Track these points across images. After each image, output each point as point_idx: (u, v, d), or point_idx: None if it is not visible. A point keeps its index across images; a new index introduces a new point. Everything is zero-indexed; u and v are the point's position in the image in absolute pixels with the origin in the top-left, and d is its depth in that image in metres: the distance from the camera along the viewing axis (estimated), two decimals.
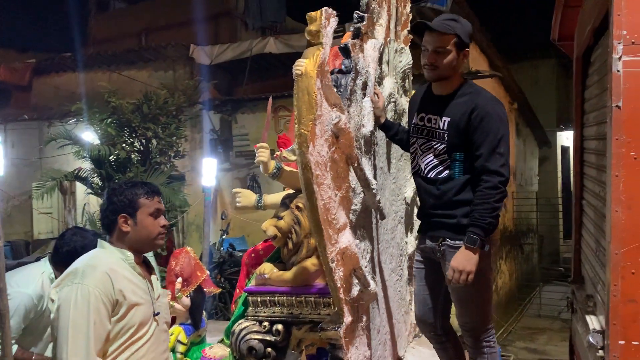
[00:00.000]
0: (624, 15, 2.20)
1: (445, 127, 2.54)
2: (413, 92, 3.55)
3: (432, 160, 2.59)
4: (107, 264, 2.02)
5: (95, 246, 2.87)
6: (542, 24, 3.64)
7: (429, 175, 2.62)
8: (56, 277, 2.91)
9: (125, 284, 2.01)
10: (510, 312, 7.74)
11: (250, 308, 2.88)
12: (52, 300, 1.93)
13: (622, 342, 2.26)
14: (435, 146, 2.59)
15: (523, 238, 9.48)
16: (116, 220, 2.11)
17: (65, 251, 2.87)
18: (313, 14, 2.32)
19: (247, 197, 3.22)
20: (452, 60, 2.47)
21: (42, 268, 2.94)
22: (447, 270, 2.51)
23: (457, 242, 2.50)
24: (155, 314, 2.12)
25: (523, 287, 8.99)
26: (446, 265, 2.54)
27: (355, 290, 2.50)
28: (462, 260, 2.40)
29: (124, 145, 6.21)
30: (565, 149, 11.93)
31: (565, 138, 11.59)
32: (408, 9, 3.30)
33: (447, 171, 2.55)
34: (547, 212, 9.65)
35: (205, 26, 9.47)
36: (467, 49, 2.50)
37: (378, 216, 2.87)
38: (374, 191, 2.72)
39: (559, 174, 11.85)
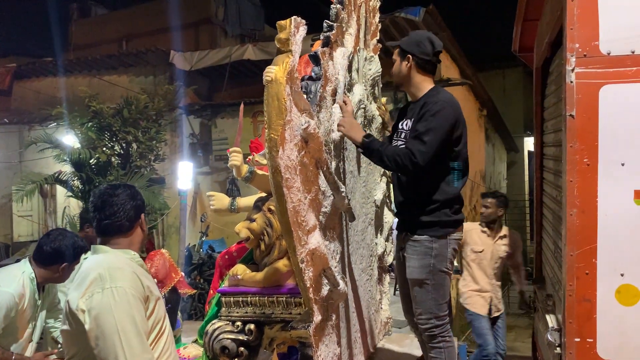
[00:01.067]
0: (576, 30, 2.34)
1: (407, 128, 2.80)
2: (383, 99, 3.68)
3: None
4: (126, 264, 1.99)
5: (80, 247, 2.95)
6: (510, 33, 3.79)
7: (396, 175, 2.87)
8: (37, 277, 2.97)
9: (147, 281, 2.00)
10: None
11: (224, 308, 2.94)
12: (83, 311, 1.83)
13: (577, 340, 2.39)
14: (400, 146, 2.80)
15: None
16: (138, 219, 2.11)
17: (50, 249, 2.92)
18: (283, 22, 2.42)
19: (221, 200, 3.29)
20: (396, 67, 2.82)
21: (23, 268, 2.98)
22: (408, 265, 2.74)
23: (416, 236, 2.73)
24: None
25: None
26: (409, 259, 2.72)
27: (325, 290, 2.59)
28: (352, 123, 2.69)
29: (104, 148, 6.25)
30: (532, 154, 12.22)
31: (532, 143, 11.85)
32: (377, 18, 3.42)
33: None
34: (515, 214, 9.94)
35: (185, 33, 9.55)
36: (408, 55, 2.75)
37: (348, 218, 2.98)
38: (343, 194, 2.83)
39: (526, 178, 12.25)
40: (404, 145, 2.73)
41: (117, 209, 2.03)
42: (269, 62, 7.37)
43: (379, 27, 3.52)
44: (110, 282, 1.85)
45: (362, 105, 3.27)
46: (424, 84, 2.78)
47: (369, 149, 2.65)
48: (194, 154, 7.68)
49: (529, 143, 12.18)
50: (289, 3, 12.72)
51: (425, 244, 2.72)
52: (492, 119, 9.67)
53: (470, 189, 8.23)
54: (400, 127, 2.88)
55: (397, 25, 6.07)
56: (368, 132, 3.09)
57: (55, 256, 2.94)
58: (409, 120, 2.82)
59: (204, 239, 6.89)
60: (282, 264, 2.92)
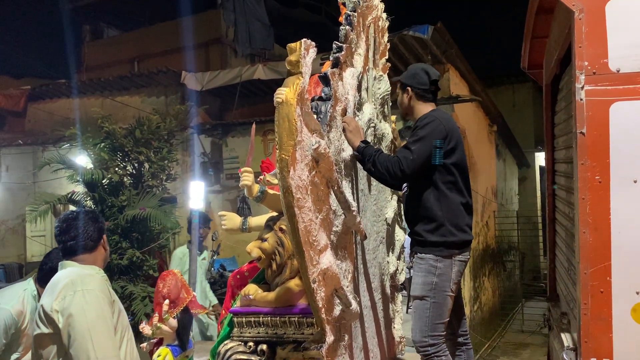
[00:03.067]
0: (584, 48, 2.35)
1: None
2: (393, 117, 3.70)
3: None
4: (94, 273, 2.21)
5: None
6: (518, 49, 3.81)
7: (405, 192, 2.96)
8: (39, 295, 3.00)
9: (112, 291, 2.23)
10: (494, 328, 7.84)
11: (236, 329, 2.95)
12: (57, 311, 2.02)
13: (593, 359, 2.35)
14: None
15: (505, 255, 9.72)
16: (100, 240, 2.35)
17: (49, 268, 2.94)
18: (293, 45, 2.45)
19: (232, 219, 3.31)
20: (400, 99, 3.02)
21: (25, 286, 3.05)
22: (412, 282, 2.79)
23: (422, 254, 2.76)
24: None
25: (506, 303, 9.17)
26: (414, 276, 2.78)
27: (337, 310, 2.59)
28: (354, 124, 2.73)
29: (116, 169, 6.31)
30: (543, 169, 12.18)
31: (543, 158, 11.79)
32: (386, 38, 3.45)
33: (410, 188, 2.86)
34: (528, 230, 9.89)
35: (196, 53, 9.70)
36: (407, 88, 2.97)
37: (359, 237, 2.98)
38: (354, 213, 2.83)
39: (538, 193, 12.18)
40: None
41: (80, 231, 2.30)
42: (279, 81, 7.48)
43: (388, 46, 3.55)
44: (81, 285, 2.08)
45: (372, 124, 3.29)
46: (421, 110, 2.95)
47: (364, 153, 2.72)
48: (205, 173, 7.74)
49: (540, 158, 12.13)
50: (298, 22, 12.89)
51: (430, 262, 2.75)
52: (502, 135, 9.66)
53: (482, 205, 8.18)
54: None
55: (405, 43, 6.11)
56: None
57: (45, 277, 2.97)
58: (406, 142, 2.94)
59: (215, 257, 6.89)
60: (293, 283, 2.92)
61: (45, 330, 2.05)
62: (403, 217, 3.32)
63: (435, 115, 2.83)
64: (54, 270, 2.91)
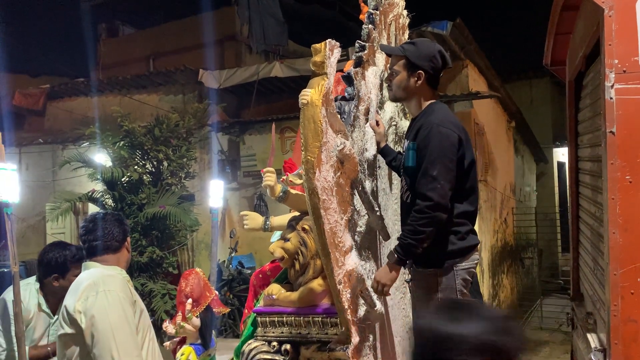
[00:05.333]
0: (614, 45, 2.30)
1: (405, 149, 2.62)
2: None
3: (404, 184, 2.64)
4: (116, 274, 2.24)
5: (77, 259, 3.00)
6: (536, 45, 3.75)
7: (402, 199, 2.69)
8: (43, 291, 3.03)
9: (134, 291, 2.25)
10: None
11: (259, 328, 2.96)
12: (80, 312, 2.04)
13: None
14: (402, 169, 2.67)
15: (523, 252, 9.63)
16: (124, 242, 2.38)
17: (45, 262, 2.97)
18: (317, 45, 2.44)
19: (255, 219, 3.32)
20: (402, 80, 2.56)
21: (29, 280, 3.09)
22: (415, 300, 2.61)
23: (420, 268, 2.57)
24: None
25: (524, 300, 9.10)
26: (415, 293, 2.63)
27: (362, 311, 2.59)
28: (382, 273, 2.46)
29: (136, 167, 6.37)
30: (561, 165, 12.10)
31: (561, 154, 11.76)
32: (407, 35, 3.43)
33: (409, 196, 2.56)
34: (546, 227, 9.80)
35: (210, 50, 9.70)
36: (420, 71, 2.52)
37: (382, 237, 2.97)
38: (378, 213, 2.83)
39: (556, 189, 12.02)
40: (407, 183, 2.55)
41: (107, 231, 2.31)
42: (296, 79, 7.51)
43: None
44: (103, 286, 2.09)
45: (394, 123, 3.28)
46: (427, 101, 2.60)
47: (405, 252, 2.39)
48: (222, 171, 7.77)
49: (558, 154, 11.99)
50: (312, 19, 12.86)
51: (430, 278, 2.50)
52: (520, 131, 9.58)
53: (500, 202, 8.13)
54: (403, 148, 2.71)
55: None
56: (398, 151, 3.01)
57: (48, 270, 2.98)
58: (406, 140, 2.68)
59: (233, 254, 6.94)
60: (317, 283, 2.93)
61: (68, 330, 2.08)
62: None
63: (443, 116, 2.49)
64: (48, 265, 2.96)
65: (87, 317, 2.02)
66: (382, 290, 2.45)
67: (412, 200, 2.53)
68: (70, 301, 2.10)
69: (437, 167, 2.36)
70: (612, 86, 2.29)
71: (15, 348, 2.95)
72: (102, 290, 2.07)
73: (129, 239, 2.43)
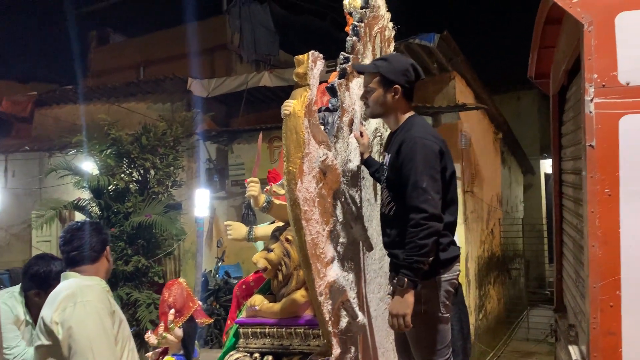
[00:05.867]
0: (594, 60, 2.33)
1: (386, 163, 2.63)
2: None
3: (386, 196, 2.63)
4: (95, 284, 2.22)
5: (58, 276, 2.96)
6: (524, 57, 3.80)
7: (382, 211, 2.67)
8: (27, 302, 2.99)
9: (113, 302, 2.22)
10: (499, 336, 7.82)
11: (241, 340, 2.94)
12: (57, 323, 2.02)
13: None
14: (383, 183, 2.67)
15: (510, 263, 9.66)
16: (104, 250, 2.36)
17: (29, 275, 2.94)
18: (300, 57, 2.45)
19: (238, 229, 3.30)
20: (379, 97, 2.57)
21: (11, 289, 3.06)
22: None
23: None
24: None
25: (511, 311, 9.13)
26: None
27: (344, 323, 2.58)
28: (396, 304, 2.37)
29: (122, 175, 6.33)
30: (548, 176, 12.22)
31: (549, 166, 11.87)
32: (392, 48, 3.45)
33: (392, 208, 2.55)
34: (533, 238, 9.86)
35: (201, 59, 9.72)
36: (395, 86, 2.53)
37: (365, 248, 2.97)
38: (361, 224, 2.83)
39: (543, 200, 12.11)
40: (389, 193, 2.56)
41: (84, 242, 2.30)
42: (285, 89, 7.54)
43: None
44: (81, 296, 2.06)
45: (379, 134, 3.29)
46: (405, 114, 2.61)
47: (414, 271, 2.33)
48: (210, 179, 7.75)
49: (545, 165, 12.11)
50: (303, 29, 12.92)
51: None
52: (507, 142, 9.66)
53: (487, 213, 8.16)
54: (384, 162, 2.71)
55: (412, 51, 6.11)
56: (381, 162, 3.00)
57: (34, 283, 2.96)
58: (385, 154, 2.67)
59: (220, 264, 6.90)
60: (299, 294, 2.91)
61: (45, 342, 2.05)
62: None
63: (424, 129, 2.51)
64: (35, 277, 2.92)
65: (65, 328, 2.00)
66: (404, 322, 2.35)
67: (395, 213, 2.53)
68: (48, 312, 2.08)
69: (426, 179, 2.36)
70: (591, 100, 2.32)
71: None
72: (80, 301, 2.05)
73: (108, 248, 2.41)
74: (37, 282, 2.92)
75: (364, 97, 2.67)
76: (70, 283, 2.20)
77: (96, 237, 2.32)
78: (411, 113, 2.63)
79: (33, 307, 3.00)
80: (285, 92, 7.68)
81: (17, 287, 3.07)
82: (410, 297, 2.34)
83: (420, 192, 2.35)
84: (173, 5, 11.72)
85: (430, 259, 2.36)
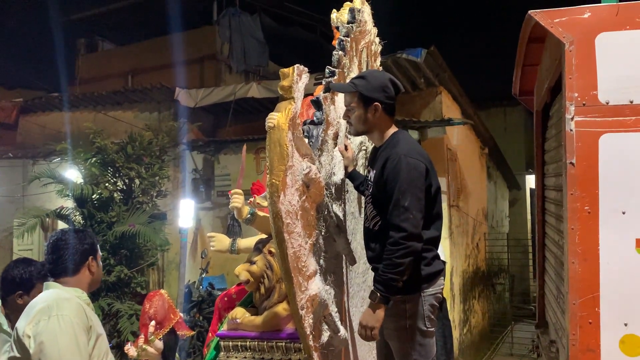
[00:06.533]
0: (574, 79, 2.38)
1: (371, 179, 2.65)
2: None
3: (371, 211, 2.64)
4: (73, 297, 2.16)
5: (42, 276, 2.90)
6: (510, 73, 3.85)
7: (366, 225, 2.68)
8: (2, 308, 2.90)
9: (91, 315, 2.17)
10: (483, 351, 7.82)
11: (222, 353, 2.92)
12: (29, 337, 1.98)
13: None
14: (368, 197, 2.68)
15: (495, 278, 9.69)
16: (85, 262, 2.28)
17: (8, 280, 2.83)
18: (285, 70, 2.46)
19: (221, 241, 3.30)
20: (360, 115, 2.59)
21: None
22: (384, 327, 2.53)
23: None
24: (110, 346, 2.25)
25: (496, 326, 9.14)
26: (384, 320, 2.52)
27: (325, 337, 2.56)
28: (366, 316, 2.41)
29: (107, 184, 6.27)
30: (533, 192, 12.23)
31: (533, 181, 11.92)
32: (378, 62, 3.48)
33: (377, 223, 2.56)
34: (518, 253, 9.91)
35: (190, 68, 9.72)
36: (375, 103, 2.54)
37: (348, 261, 2.96)
38: (344, 237, 2.82)
39: (528, 216, 12.19)
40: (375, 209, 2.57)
41: (62, 253, 2.24)
42: (272, 100, 7.51)
43: (380, 70, 3.58)
44: (56, 310, 2.02)
45: (364, 147, 3.30)
46: (389, 130, 2.63)
47: (387, 288, 2.37)
48: (196, 190, 7.70)
49: (530, 180, 12.23)
50: (292, 40, 12.99)
51: (397, 304, 2.48)
52: (493, 157, 9.74)
53: (472, 228, 8.20)
54: (369, 177, 2.73)
55: (399, 65, 6.17)
56: (365, 175, 3.00)
57: (10, 288, 2.85)
58: (370, 169, 2.70)
59: (204, 275, 6.83)
60: (281, 307, 2.90)
61: (17, 354, 2.02)
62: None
63: (409, 147, 2.51)
64: (11, 282, 2.79)
65: (36, 342, 1.96)
66: (371, 334, 2.39)
67: (380, 228, 2.55)
68: (22, 324, 2.05)
69: (408, 197, 2.37)
70: (572, 118, 2.35)
71: None
72: (54, 315, 2.00)
73: (91, 259, 2.33)
74: (19, 285, 2.82)
75: (346, 116, 2.68)
76: (48, 295, 2.16)
77: (75, 248, 2.27)
78: (395, 129, 2.65)
79: (13, 313, 2.93)
80: (273, 103, 7.60)
81: None
82: (380, 312, 2.38)
83: (401, 211, 2.36)
84: (163, 15, 11.70)
85: (405, 277, 2.38)
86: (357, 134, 2.75)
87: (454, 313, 6.69)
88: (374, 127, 2.62)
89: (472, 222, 8.10)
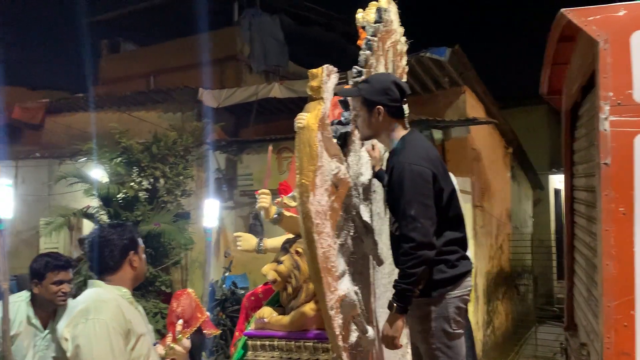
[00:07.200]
0: (609, 78, 2.33)
1: (385, 184, 2.66)
2: None
3: (391, 216, 2.64)
4: (113, 298, 2.13)
5: (54, 267, 3.01)
6: (535, 72, 3.80)
7: (391, 229, 2.66)
8: (33, 301, 3.04)
9: (131, 316, 2.13)
10: (507, 352, 7.72)
11: (250, 352, 2.93)
12: (66, 339, 1.98)
13: None
14: (386, 201, 2.70)
15: (518, 279, 9.56)
16: (125, 257, 2.24)
17: (29, 271, 3.01)
18: (315, 70, 2.46)
19: (248, 241, 3.31)
20: (365, 119, 2.56)
21: (21, 294, 3.10)
22: (410, 328, 2.59)
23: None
24: (154, 344, 2.23)
25: (519, 328, 9.01)
26: (410, 322, 2.61)
27: (354, 337, 2.56)
28: (386, 326, 2.42)
29: (132, 184, 6.35)
30: (557, 192, 12.13)
31: (558, 181, 11.82)
32: (404, 62, 3.46)
33: (397, 228, 2.52)
34: (541, 253, 9.76)
35: (211, 69, 9.78)
36: (378, 107, 2.50)
37: (376, 262, 2.95)
38: (372, 238, 2.82)
39: (552, 216, 11.99)
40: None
41: (102, 250, 2.20)
42: (294, 100, 7.55)
43: (406, 70, 3.56)
44: (94, 313, 2.00)
45: None
46: (397, 132, 2.57)
47: (402, 298, 2.36)
48: (218, 189, 7.76)
49: (555, 181, 12.02)
50: (312, 40, 12.99)
51: (423, 307, 2.48)
52: (517, 157, 9.61)
53: (496, 228, 8.12)
54: (385, 180, 2.72)
55: (422, 65, 6.13)
56: None
57: (29, 279, 3.06)
58: (386, 177, 2.66)
59: (227, 274, 6.88)
60: (309, 307, 2.90)
61: (57, 354, 2.04)
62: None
63: (414, 152, 2.46)
64: (31, 272, 3.01)
65: (73, 345, 1.96)
66: (393, 343, 2.41)
67: (394, 231, 2.55)
68: (62, 325, 2.05)
69: (414, 206, 2.35)
70: (606, 118, 2.31)
71: None
72: (91, 318, 1.99)
73: (132, 253, 2.27)
74: (34, 274, 3.01)
75: (354, 121, 2.68)
76: (89, 295, 2.14)
77: (116, 244, 2.22)
78: (403, 132, 2.59)
79: (39, 307, 3.07)
80: (294, 103, 7.71)
81: (23, 293, 3.12)
82: (399, 322, 2.39)
83: (409, 220, 2.35)
84: (184, 16, 11.81)
85: (420, 286, 2.39)
86: (364, 138, 2.72)
87: (478, 314, 6.63)
88: (379, 131, 2.59)
89: (496, 222, 8.02)
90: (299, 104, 8.01)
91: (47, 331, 3.11)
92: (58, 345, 2.03)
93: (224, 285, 6.81)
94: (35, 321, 3.06)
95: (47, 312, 3.11)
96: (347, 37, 13.92)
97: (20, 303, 3.06)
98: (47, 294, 3.00)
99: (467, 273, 2.57)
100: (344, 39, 13.93)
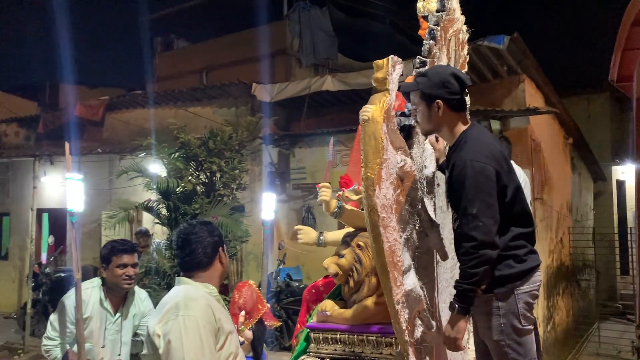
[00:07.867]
0: None
1: (446, 180, 2.58)
2: None
3: (453, 212, 2.57)
4: (202, 296, 2.12)
5: (118, 251, 3.21)
6: (594, 59, 3.62)
7: (453, 226, 2.58)
8: (104, 284, 3.24)
9: (220, 314, 2.12)
10: (567, 349, 7.46)
11: (312, 344, 2.93)
12: (159, 336, 1.99)
13: None
14: (448, 199, 2.62)
15: (579, 273, 9.20)
16: (216, 254, 2.24)
17: (104, 256, 3.23)
18: (379, 62, 2.42)
19: (309, 234, 3.32)
20: (424, 113, 2.49)
21: (93, 280, 3.30)
22: (478, 325, 2.53)
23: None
24: (241, 343, 2.24)
25: (581, 324, 8.68)
26: (477, 319, 2.54)
27: (419, 332, 2.53)
28: (448, 327, 2.36)
29: (190, 178, 6.49)
30: (620, 183, 11.60)
31: (621, 172, 11.31)
32: (465, 51, 3.37)
33: (458, 225, 2.44)
34: (604, 248, 9.34)
35: (262, 64, 9.90)
36: (437, 100, 2.43)
37: (440, 256, 2.90)
38: (436, 232, 2.77)
39: (615, 209, 11.43)
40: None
41: (195, 247, 2.19)
42: (346, 93, 7.51)
43: (467, 59, 3.47)
44: (184, 310, 1.99)
45: None
46: (458, 127, 2.50)
47: (464, 299, 2.32)
48: (272, 183, 7.85)
49: (617, 172, 11.49)
50: (362, 32, 12.90)
51: (490, 303, 2.41)
52: (577, 148, 9.24)
53: (556, 221, 7.84)
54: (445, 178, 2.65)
55: (480, 54, 5.96)
56: None
57: (100, 262, 3.28)
58: (447, 173, 2.58)
59: (281, 266, 6.97)
60: (371, 301, 2.88)
61: (149, 351, 2.04)
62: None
63: (477, 149, 2.37)
64: (100, 258, 3.24)
65: (165, 341, 1.96)
66: (455, 344, 2.36)
67: (456, 228, 2.48)
68: (152, 322, 2.05)
69: (476, 204, 2.27)
70: None
71: (75, 349, 3.14)
72: (182, 315, 1.98)
73: (221, 250, 2.28)
74: (102, 259, 3.24)
75: (414, 116, 2.60)
76: (178, 292, 2.13)
77: (206, 241, 2.22)
78: (465, 126, 2.51)
79: (110, 291, 3.26)
80: (347, 96, 7.68)
81: (95, 279, 3.31)
82: (461, 323, 2.33)
83: (470, 219, 2.28)
84: (234, 12, 11.99)
85: (483, 285, 2.31)
86: (425, 133, 2.65)
87: (538, 310, 6.44)
88: (440, 126, 2.51)
89: (555, 215, 7.74)
90: (351, 96, 8.06)
91: (118, 315, 3.27)
92: (147, 343, 2.05)
93: (278, 277, 6.90)
94: (107, 304, 3.24)
95: (117, 297, 3.29)
96: (396, 28, 13.76)
97: (92, 289, 3.25)
98: (113, 277, 3.18)
99: (536, 267, 2.49)
100: (393, 29, 13.78)
